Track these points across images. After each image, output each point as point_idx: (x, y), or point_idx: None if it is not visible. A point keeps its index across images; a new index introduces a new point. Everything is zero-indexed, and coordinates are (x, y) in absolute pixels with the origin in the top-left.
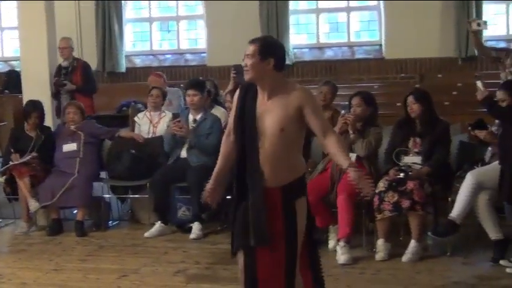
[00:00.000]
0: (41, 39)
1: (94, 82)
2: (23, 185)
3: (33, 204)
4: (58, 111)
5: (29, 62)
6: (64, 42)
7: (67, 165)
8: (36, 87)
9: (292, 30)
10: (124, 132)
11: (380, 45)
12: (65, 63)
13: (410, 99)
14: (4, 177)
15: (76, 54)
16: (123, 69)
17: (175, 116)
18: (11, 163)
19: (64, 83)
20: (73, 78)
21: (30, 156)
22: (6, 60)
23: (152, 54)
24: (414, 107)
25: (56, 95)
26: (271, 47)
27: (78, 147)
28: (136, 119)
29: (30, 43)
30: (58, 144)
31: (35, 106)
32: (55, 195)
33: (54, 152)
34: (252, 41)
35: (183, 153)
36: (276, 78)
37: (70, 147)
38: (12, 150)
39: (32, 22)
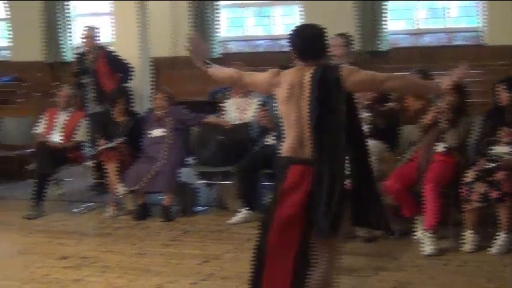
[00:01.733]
0: (133, 26)
1: (124, 64)
2: (111, 170)
3: (121, 189)
4: (82, 101)
5: (120, 49)
6: (86, 33)
7: (154, 151)
8: None
9: (389, 16)
10: (211, 119)
11: (479, 31)
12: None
13: (500, 87)
14: (93, 161)
15: (168, 41)
16: (217, 55)
17: (263, 103)
18: (99, 148)
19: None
20: (96, 67)
21: (118, 142)
22: None
23: (246, 40)
24: (503, 96)
25: (80, 85)
26: (291, 38)
27: (165, 133)
28: (223, 105)
29: (123, 30)
30: (146, 130)
31: (122, 92)
32: (142, 181)
33: (142, 137)
34: None
35: (270, 140)
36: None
37: (157, 132)
38: (101, 135)
39: (125, 9)
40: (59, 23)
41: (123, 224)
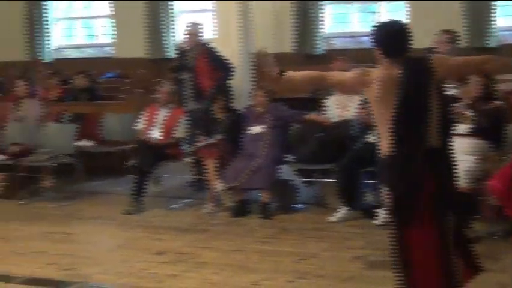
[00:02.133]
0: (235, 23)
1: (224, 63)
2: (210, 166)
3: (219, 186)
4: (180, 98)
5: (221, 45)
6: (189, 29)
7: (254, 148)
8: None
9: (498, 12)
10: (311, 116)
11: None
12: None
13: None
14: (192, 158)
15: (270, 37)
16: (321, 52)
17: (364, 101)
18: (198, 144)
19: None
20: (196, 64)
21: (217, 138)
22: None
23: (351, 36)
24: None
25: (179, 80)
26: (375, 36)
27: (265, 129)
28: (324, 102)
29: (224, 27)
30: (246, 127)
31: (222, 89)
32: (241, 177)
33: (242, 134)
34: None
35: (372, 138)
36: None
37: (257, 129)
38: (200, 132)
39: (228, 7)
40: (163, 20)
41: (221, 221)
